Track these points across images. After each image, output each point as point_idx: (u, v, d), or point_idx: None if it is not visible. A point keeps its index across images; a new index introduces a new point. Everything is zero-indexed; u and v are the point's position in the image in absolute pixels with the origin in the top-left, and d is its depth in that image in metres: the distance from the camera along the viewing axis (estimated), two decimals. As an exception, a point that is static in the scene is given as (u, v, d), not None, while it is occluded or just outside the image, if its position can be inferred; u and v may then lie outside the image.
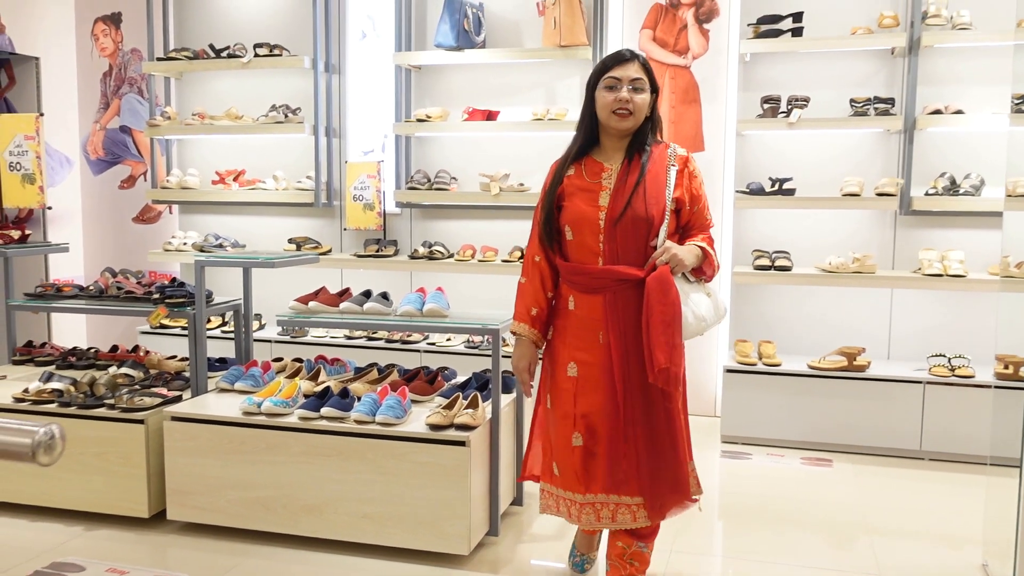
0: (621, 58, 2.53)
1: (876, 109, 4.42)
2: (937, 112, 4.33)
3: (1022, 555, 2.57)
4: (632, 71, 2.51)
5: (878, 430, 4.30)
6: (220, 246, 5.35)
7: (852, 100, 4.49)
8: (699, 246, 2.53)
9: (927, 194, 4.39)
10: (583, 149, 2.60)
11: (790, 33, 4.50)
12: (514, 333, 2.64)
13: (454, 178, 5.14)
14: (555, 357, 2.61)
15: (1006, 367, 3.93)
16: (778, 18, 4.53)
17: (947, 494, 3.82)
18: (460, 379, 3.68)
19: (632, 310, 2.47)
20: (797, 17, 4.52)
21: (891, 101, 4.44)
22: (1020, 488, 2.60)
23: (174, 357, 4.07)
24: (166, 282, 3.81)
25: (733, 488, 3.96)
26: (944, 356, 4.36)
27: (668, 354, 2.39)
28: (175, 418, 3.23)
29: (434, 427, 3.02)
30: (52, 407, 3.37)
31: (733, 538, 3.39)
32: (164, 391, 3.46)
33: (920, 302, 4.62)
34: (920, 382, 4.24)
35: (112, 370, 3.70)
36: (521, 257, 4.85)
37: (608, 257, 2.49)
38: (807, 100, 4.51)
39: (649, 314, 2.39)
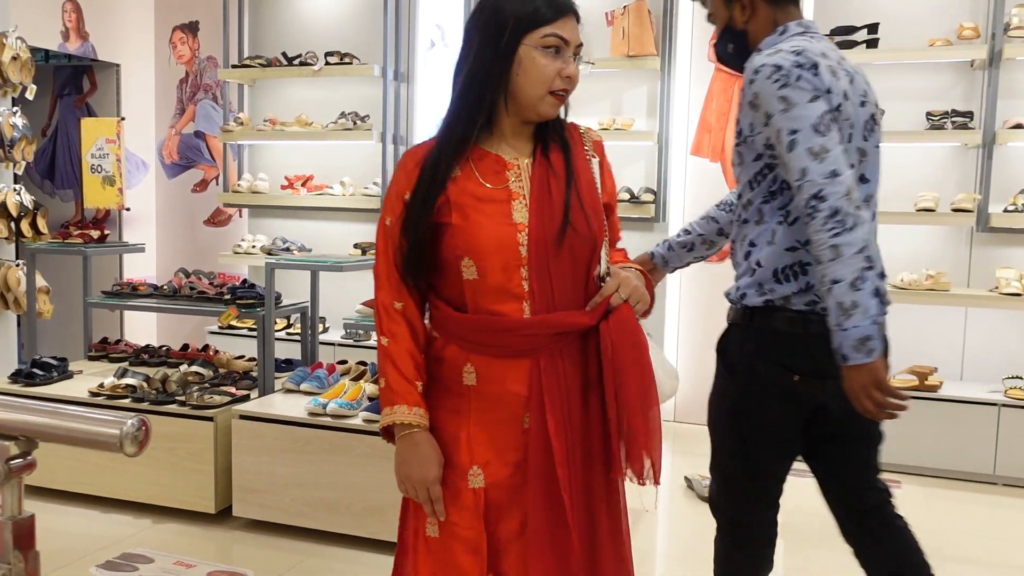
0: (565, 7, 1.62)
1: (954, 123, 4.31)
2: (1018, 126, 4.20)
3: (1105, 587, 2.47)
4: (578, 32, 1.65)
5: (950, 453, 4.17)
6: (287, 250, 5.45)
7: (928, 113, 4.38)
8: (638, 269, 1.76)
9: (1006, 211, 4.25)
10: (466, 136, 1.63)
11: (865, 44, 4.41)
12: (400, 425, 1.62)
13: (518, 187, 5.14)
14: (447, 458, 1.66)
15: (1088, 392, 3.79)
16: (853, 29, 4.45)
17: (1021, 521, 3.68)
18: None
19: (576, 378, 1.65)
20: (872, 28, 4.43)
21: (969, 115, 4.32)
22: (1104, 517, 2.49)
23: (241, 357, 4.15)
24: (237, 283, 3.89)
25: (797, 507, 3.86)
26: (1020, 378, 4.21)
27: (649, 439, 1.62)
28: (243, 416, 3.30)
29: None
30: (126, 402, 3.47)
31: (796, 557, 3.32)
32: (232, 390, 3.54)
33: (996, 322, 4.47)
34: (995, 404, 4.10)
35: (183, 368, 3.79)
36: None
37: (539, 302, 1.61)
38: (882, 112, 4.40)
39: (619, 379, 1.60)
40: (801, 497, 3.98)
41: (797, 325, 1.90)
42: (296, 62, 5.40)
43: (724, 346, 2.03)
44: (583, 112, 5.05)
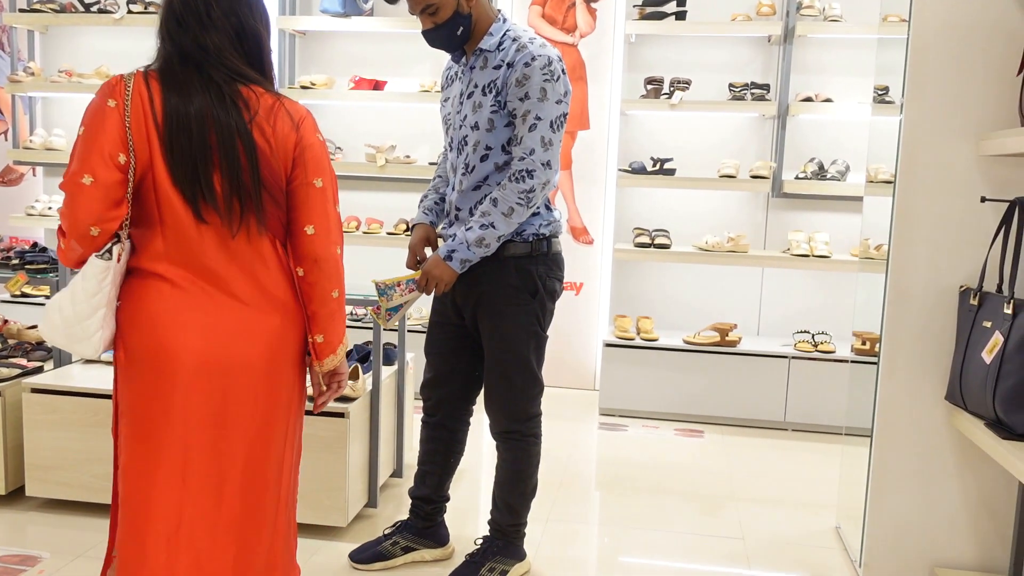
0: None
1: (753, 94, 4.59)
2: (808, 100, 4.53)
3: (871, 518, 2.75)
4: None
5: (747, 402, 4.50)
6: (89, 211, 5.09)
7: (731, 85, 4.65)
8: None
9: (797, 178, 4.60)
10: None
11: (674, 16, 4.61)
12: None
13: (339, 148, 5.05)
14: None
15: (863, 343, 4.17)
16: (663, 1, 4.63)
17: (807, 463, 4.04)
18: (341, 351, 3.63)
19: None
20: (681, 1, 4.62)
21: (767, 87, 4.61)
22: (870, 456, 2.77)
23: (35, 327, 3.86)
24: (27, 247, 3.61)
25: (609, 458, 4.07)
26: (808, 332, 4.59)
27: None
28: (35, 390, 3.07)
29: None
30: None
31: (608, 506, 3.49)
32: (23, 362, 3.29)
33: (788, 281, 4.85)
34: (786, 357, 4.46)
35: (-35, 339, 3.48)
36: (407, 230, 4.82)
37: None
38: (689, 83, 4.63)
39: None
40: (614, 450, 4.19)
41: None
42: (94, 9, 5.01)
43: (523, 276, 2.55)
44: (405, 73, 5.00)
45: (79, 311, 1.77)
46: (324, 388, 2.02)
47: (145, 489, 1.81)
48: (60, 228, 1.79)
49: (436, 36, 2.47)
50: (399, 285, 2.53)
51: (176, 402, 1.80)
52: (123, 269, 1.81)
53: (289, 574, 2.04)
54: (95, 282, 1.76)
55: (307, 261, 1.88)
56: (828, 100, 4.52)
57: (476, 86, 2.50)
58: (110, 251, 1.76)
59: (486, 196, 2.52)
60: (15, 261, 3.40)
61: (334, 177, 1.93)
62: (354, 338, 4.63)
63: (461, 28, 2.45)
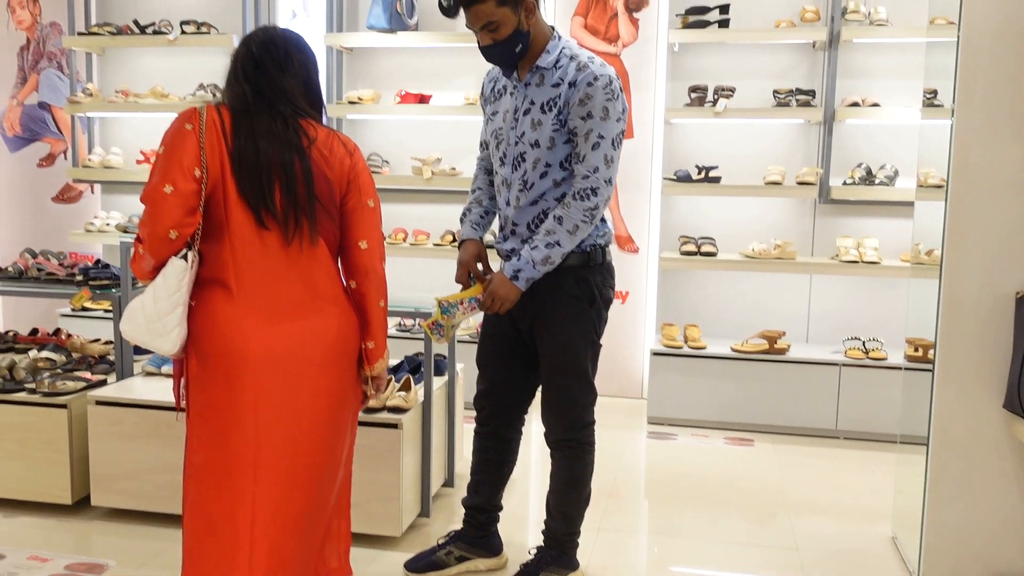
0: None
1: (798, 100, 4.57)
2: (855, 104, 4.50)
3: (928, 528, 2.72)
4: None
5: (797, 410, 4.46)
6: (145, 227, 5.22)
7: (775, 91, 4.62)
8: None
9: (845, 183, 4.56)
10: None
11: (717, 24, 4.60)
12: None
13: (386, 161, 5.12)
14: None
15: (916, 349, 4.11)
16: (705, 9, 4.63)
17: (860, 471, 3.99)
18: (392, 362, 3.69)
19: None
20: (724, 9, 4.62)
21: (812, 93, 4.58)
22: (927, 465, 2.74)
23: (98, 340, 3.98)
24: (89, 264, 3.72)
25: (658, 468, 4.07)
26: (859, 339, 4.54)
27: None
28: (99, 402, 3.17)
29: (366, 410, 3.03)
30: (-31, 392, 3.27)
31: (658, 516, 3.49)
32: (88, 375, 3.40)
33: (837, 287, 4.80)
34: (836, 364, 4.42)
35: (32, 354, 3.61)
36: (453, 242, 4.88)
37: None
38: (733, 90, 4.62)
39: None
40: (663, 460, 4.19)
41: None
42: (149, 31, 5.16)
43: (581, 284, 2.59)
44: (450, 87, 5.06)
45: (160, 307, 1.95)
46: (372, 391, 2.23)
47: (222, 490, 1.97)
48: (137, 239, 1.98)
49: (495, 52, 2.48)
50: (462, 303, 2.55)
51: (247, 403, 1.96)
52: (193, 278, 1.99)
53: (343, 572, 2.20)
54: (175, 280, 1.95)
55: (359, 273, 2.11)
56: (875, 105, 4.48)
57: (533, 103, 2.52)
58: (185, 256, 1.95)
59: (543, 211, 2.55)
60: (79, 277, 3.51)
61: (379, 200, 2.16)
62: (404, 349, 4.69)
63: (520, 45, 2.46)
